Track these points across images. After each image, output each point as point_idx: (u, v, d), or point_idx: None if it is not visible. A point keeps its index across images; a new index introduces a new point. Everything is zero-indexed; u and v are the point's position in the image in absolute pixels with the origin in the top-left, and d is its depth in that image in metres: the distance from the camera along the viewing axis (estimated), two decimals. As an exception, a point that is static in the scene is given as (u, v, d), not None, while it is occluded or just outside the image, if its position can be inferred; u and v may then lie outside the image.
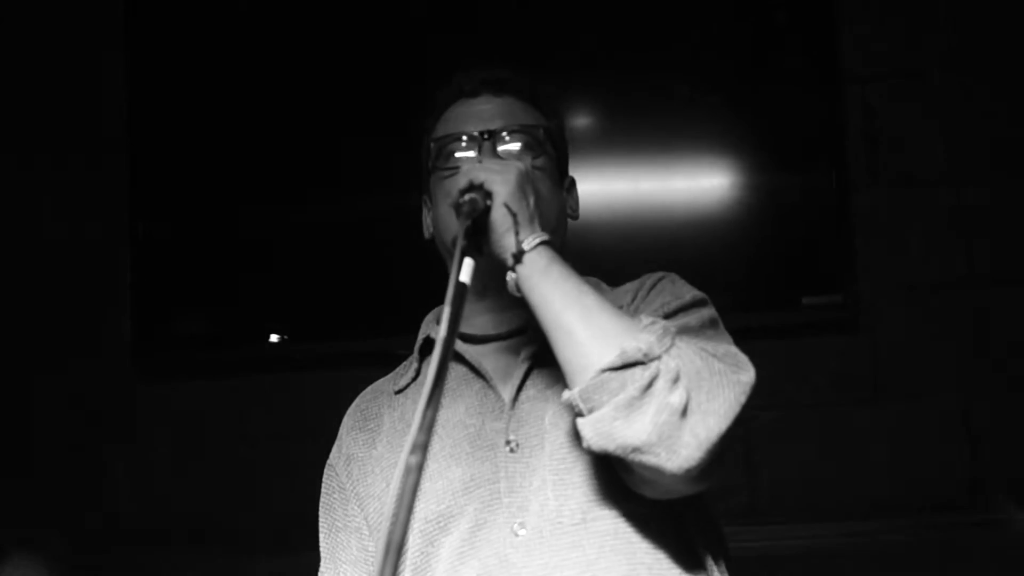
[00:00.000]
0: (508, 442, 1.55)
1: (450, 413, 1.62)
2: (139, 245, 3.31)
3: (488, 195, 1.45)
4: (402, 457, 0.96)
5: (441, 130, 1.67)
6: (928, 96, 3.12)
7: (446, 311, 1.19)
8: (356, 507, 1.68)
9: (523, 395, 1.58)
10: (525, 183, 1.48)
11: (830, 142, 3.09)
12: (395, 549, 0.86)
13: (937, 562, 2.95)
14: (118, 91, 3.36)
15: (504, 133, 1.62)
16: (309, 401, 3.22)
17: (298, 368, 3.23)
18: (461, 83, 1.69)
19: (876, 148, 3.11)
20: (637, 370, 1.36)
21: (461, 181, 1.47)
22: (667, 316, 1.52)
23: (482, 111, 1.65)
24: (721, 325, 1.57)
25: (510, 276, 1.46)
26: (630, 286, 1.66)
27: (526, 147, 1.63)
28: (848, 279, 3.06)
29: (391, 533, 0.90)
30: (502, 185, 1.45)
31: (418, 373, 1.71)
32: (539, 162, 1.63)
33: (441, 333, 1.13)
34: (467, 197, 1.44)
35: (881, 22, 3.15)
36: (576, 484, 1.51)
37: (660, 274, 1.66)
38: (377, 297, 3.20)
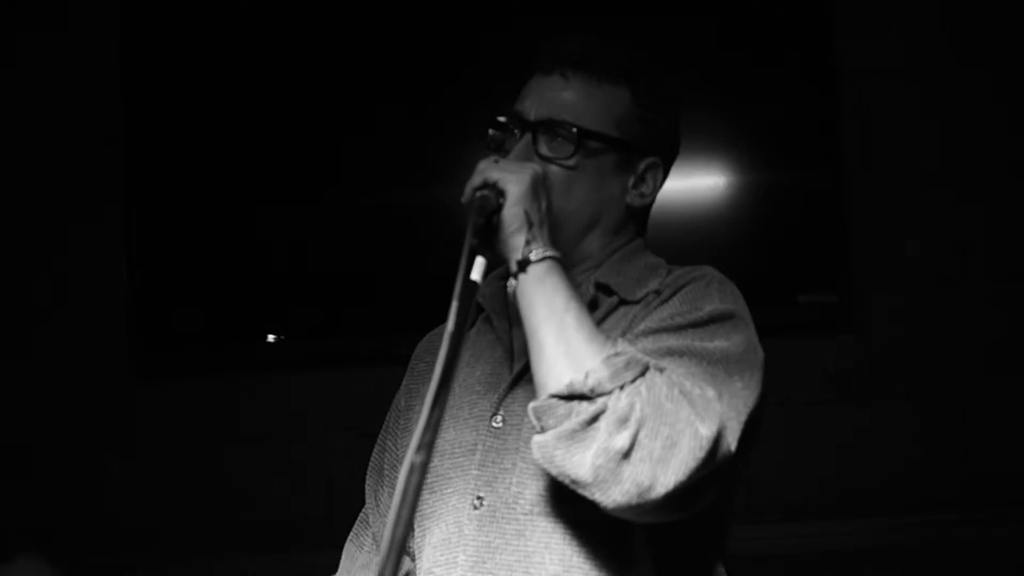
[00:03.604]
0: (494, 415, 1.57)
1: (468, 373, 1.65)
2: (135, 243, 3.30)
3: (501, 194, 1.46)
4: (408, 456, 0.96)
5: (513, 107, 1.65)
6: (924, 93, 3.12)
7: (453, 308, 1.18)
8: (397, 427, 1.76)
9: (528, 375, 1.56)
10: (539, 188, 1.49)
11: (826, 139, 3.08)
12: (397, 548, 0.86)
13: (933, 560, 2.95)
14: (114, 86, 3.35)
15: (540, 131, 1.59)
16: (307, 400, 3.21)
17: (296, 367, 3.23)
18: (543, 55, 1.65)
19: (872, 145, 3.11)
20: (584, 403, 1.36)
21: (475, 180, 1.47)
22: (675, 330, 1.48)
23: (538, 95, 1.62)
24: (741, 349, 1.49)
25: (510, 283, 1.47)
26: (677, 275, 1.61)
27: (557, 147, 1.59)
28: (844, 277, 3.06)
29: (393, 532, 0.89)
30: (516, 185, 1.46)
31: (474, 322, 1.70)
32: (571, 163, 1.59)
33: (448, 327, 1.12)
34: (479, 194, 1.45)
35: (877, 18, 3.15)
36: (537, 476, 1.51)
37: (698, 273, 1.60)
38: (376, 296, 3.20)
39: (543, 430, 1.39)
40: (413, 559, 1.69)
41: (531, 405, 1.41)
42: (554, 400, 1.37)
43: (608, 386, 1.35)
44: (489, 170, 1.47)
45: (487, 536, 1.51)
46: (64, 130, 3.40)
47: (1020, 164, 3.10)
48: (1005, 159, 3.09)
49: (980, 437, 3.04)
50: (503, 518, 1.51)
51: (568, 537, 1.49)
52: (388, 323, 3.11)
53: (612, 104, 1.63)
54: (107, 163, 3.34)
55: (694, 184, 3.15)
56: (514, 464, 1.53)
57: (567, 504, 1.48)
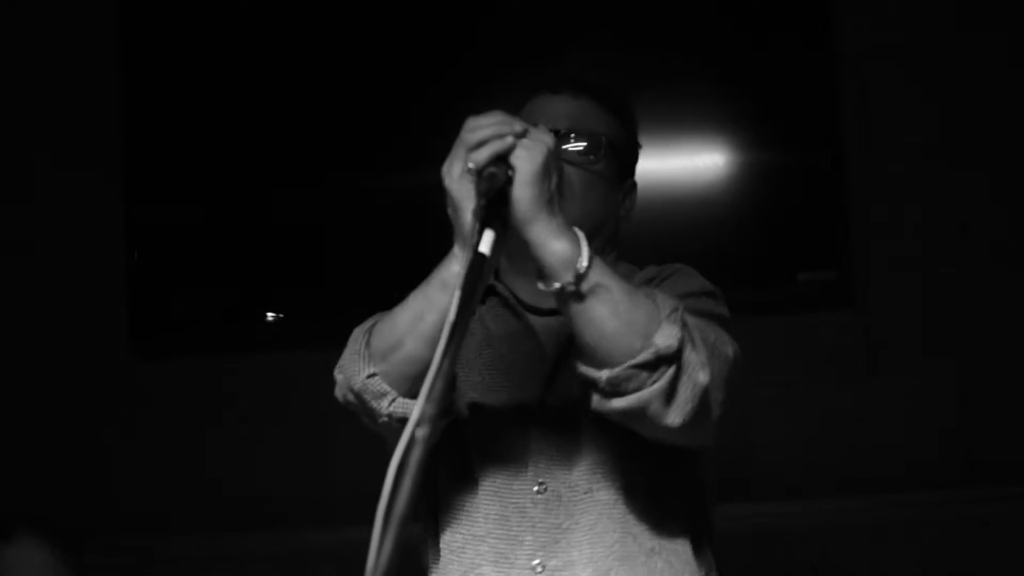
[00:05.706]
0: (541, 402, 1.66)
1: (496, 355, 1.70)
2: (135, 225, 3.30)
3: (510, 167, 1.44)
4: (408, 428, 0.95)
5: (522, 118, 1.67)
6: (923, 71, 3.11)
7: (459, 284, 1.18)
8: None
9: (565, 363, 1.63)
10: (551, 163, 1.48)
11: (825, 118, 3.08)
12: (397, 524, 0.84)
13: (932, 538, 2.96)
14: (113, 72, 3.35)
15: (572, 134, 1.70)
16: (307, 380, 3.20)
17: (296, 347, 3.22)
18: (548, 77, 1.79)
19: (871, 123, 3.11)
20: (666, 367, 1.44)
21: (481, 154, 1.45)
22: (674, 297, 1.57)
23: (557, 109, 1.73)
24: (723, 320, 1.65)
25: (541, 285, 1.49)
26: (651, 271, 1.74)
27: (587, 151, 1.71)
28: (843, 254, 3.06)
29: (395, 507, 0.88)
30: (527, 164, 1.45)
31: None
32: (598, 167, 1.71)
33: (451, 312, 1.12)
34: (488, 171, 1.43)
35: (876, -3, 3.15)
36: (584, 455, 1.65)
37: (677, 265, 1.75)
38: (375, 275, 3.19)
39: (616, 395, 1.45)
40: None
41: (602, 373, 1.45)
42: (635, 369, 1.43)
43: (674, 344, 1.44)
44: (498, 142, 1.45)
45: (556, 519, 1.63)
46: (64, 109, 3.40)
47: (1020, 140, 3.09)
48: (1005, 135, 3.09)
49: (980, 414, 3.04)
50: (569, 501, 1.63)
51: (620, 505, 1.63)
52: (388, 304, 3.11)
53: (612, 124, 1.77)
54: (107, 144, 3.34)
55: (694, 163, 3.15)
56: (568, 448, 1.65)
57: (615, 476, 1.63)
